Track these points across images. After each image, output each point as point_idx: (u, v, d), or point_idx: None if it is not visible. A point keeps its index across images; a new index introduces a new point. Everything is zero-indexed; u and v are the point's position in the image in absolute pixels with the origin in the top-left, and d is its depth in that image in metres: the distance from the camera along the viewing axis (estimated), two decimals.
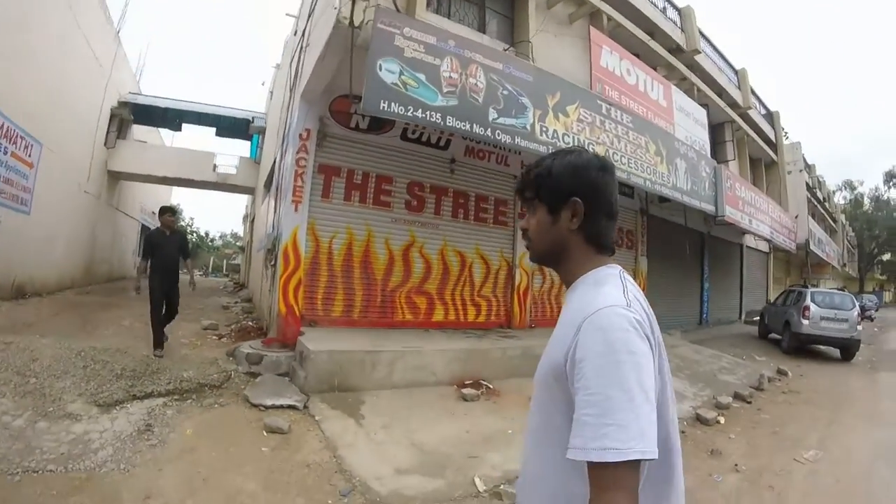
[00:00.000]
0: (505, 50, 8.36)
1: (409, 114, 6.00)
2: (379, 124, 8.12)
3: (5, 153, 10.21)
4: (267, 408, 5.22)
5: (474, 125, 6.53)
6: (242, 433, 4.62)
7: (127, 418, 4.64)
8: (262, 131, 17.93)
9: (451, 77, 6.43)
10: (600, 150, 8.17)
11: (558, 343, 1.10)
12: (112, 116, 17.24)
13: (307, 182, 7.69)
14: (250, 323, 10.00)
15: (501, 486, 4.05)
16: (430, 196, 8.91)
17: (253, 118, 18.73)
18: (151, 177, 19.32)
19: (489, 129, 6.67)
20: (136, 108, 18.19)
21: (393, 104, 5.88)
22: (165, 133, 23.49)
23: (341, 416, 5.20)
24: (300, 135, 7.73)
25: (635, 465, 0.91)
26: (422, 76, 6.18)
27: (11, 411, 4.39)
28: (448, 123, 6.30)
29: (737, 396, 7.45)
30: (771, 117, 20.91)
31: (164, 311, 7.15)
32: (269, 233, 9.89)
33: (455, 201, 9.21)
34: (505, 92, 6.95)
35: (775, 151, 20.63)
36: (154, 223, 29.15)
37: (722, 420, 6.38)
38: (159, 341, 6.93)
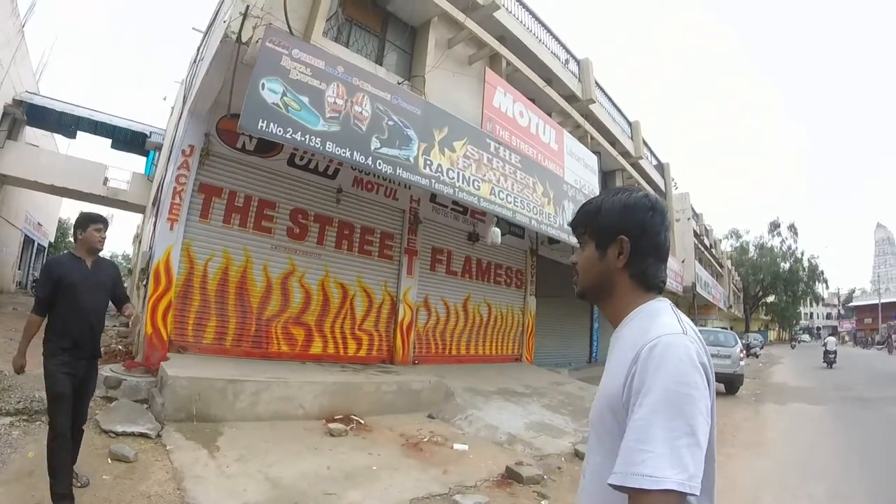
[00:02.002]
0: (399, 83, 8.47)
1: (288, 136, 5.89)
2: (266, 147, 7.94)
3: None
4: (117, 434, 4.90)
5: (355, 153, 6.49)
6: (86, 459, 4.29)
7: None
8: (158, 148, 17.18)
9: (335, 103, 6.41)
10: (486, 188, 8.40)
11: (614, 375, 1.08)
12: (5, 114, 16.16)
13: (185, 200, 7.34)
14: (120, 347, 9.39)
15: None
16: (313, 224, 8.74)
17: (151, 133, 17.95)
18: (38, 184, 18.02)
19: (370, 158, 6.65)
20: (31, 108, 17.05)
21: (272, 124, 5.76)
22: (62, 140, 22.15)
23: (195, 446, 4.93)
24: (183, 150, 7.41)
25: (676, 496, 0.89)
26: (305, 99, 6.11)
27: None
28: (328, 149, 6.23)
29: None
30: (662, 168, 22.34)
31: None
32: (143, 251, 9.41)
33: (340, 232, 9.08)
34: (390, 122, 7.00)
35: (665, 199, 21.92)
36: (39, 236, 27.24)
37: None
38: (67, 487, 3.49)
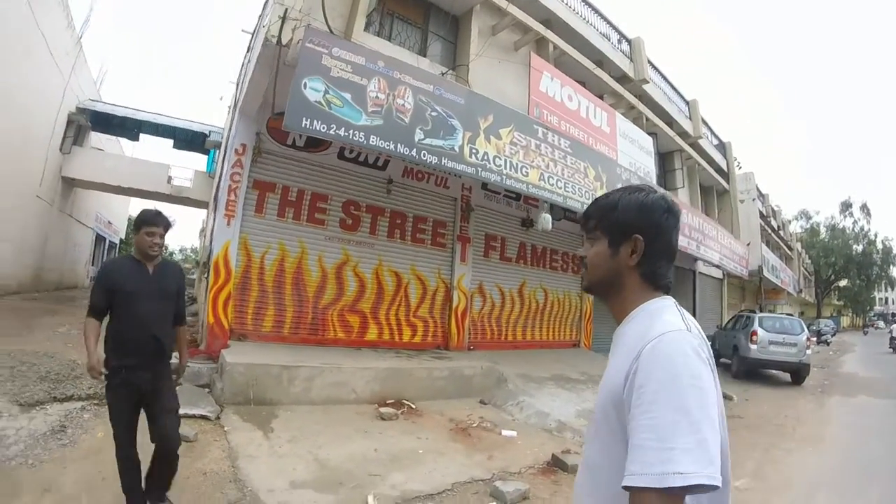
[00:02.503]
0: (443, 74, 8.50)
1: (332, 132, 6.03)
2: (316, 143, 8.14)
3: None
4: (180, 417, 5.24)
5: (399, 145, 6.58)
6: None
7: (44, 418, 4.77)
8: (218, 145, 17.84)
9: (377, 97, 6.50)
10: (534, 174, 8.33)
11: (616, 371, 1.09)
12: (69, 122, 17.23)
13: (241, 197, 7.67)
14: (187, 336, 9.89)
15: None
16: (365, 215, 8.93)
17: (210, 132, 18.70)
18: (106, 185, 19.28)
19: (414, 150, 6.73)
20: (94, 114, 18.14)
21: (315, 122, 5.92)
22: (126, 142, 23.29)
23: (251, 428, 5.22)
24: (236, 149, 7.73)
25: (678, 494, 0.89)
26: (347, 95, 6.23)
27: None
28: (371, 143, 6.34)
29: None
30: (723, 147, 21.49)
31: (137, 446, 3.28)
32: (205, 245, 9.84)
33: (392, 221, 9.24)
34: (433, 113, 7.03)
35: (727, 180, 21.17)
36: (110, 233, 28.73)
37: None
38: None
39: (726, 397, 9.63)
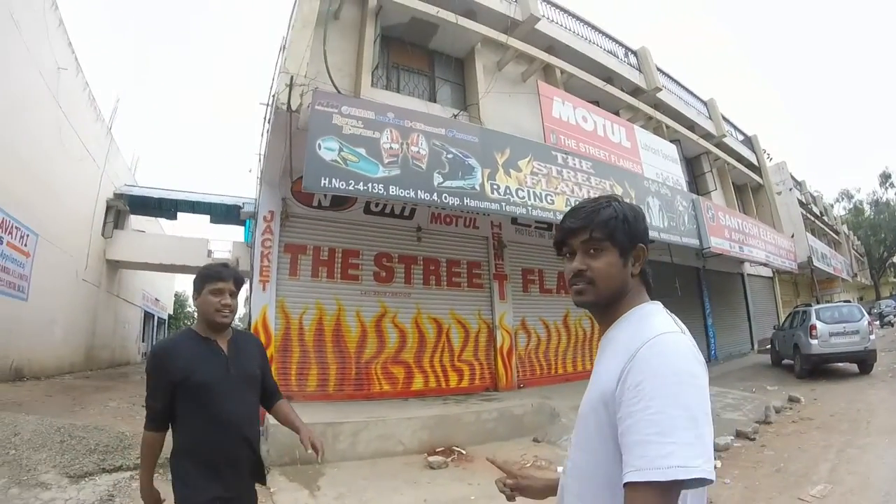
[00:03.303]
0: (455, 116, 8.59)
1: (351, 187, 6.17)
2: (341, 201, 8.31)
3: (1, 243, 10.71)
4: None
5: (419, 191, 6.66)
6: None
7: (93, 489, 4.87)
8: (252, 216, 18.30)
9: (391, 148, 6.62)
10: (560, 200, 8.24)
11: (607, 372, 1.09)
12: (108, 208, 18.13)
13: (273, 261, 7.85)
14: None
15: None
16: (398, 266, 8.99)
17: (244, 204, 19.13)
18: (148, 264, 20.03)
19: (435, 194, 6.79)
20: (131, 199, 18.98)
21: (334, 180, 6.07)
22: (166, 222, 24.20)
23: (297, 487, 5.17)
24: (264, 217, 7.98)
25: (678, 488, 0.92)
26: (362, 150, 6.38)
27: None
28: (391, 193, 6.44)
29: (739, 435, 6.93)
30: (750, 141, 20.99)
31: None
32: (246, 312, 10.01)
33: (426, 268, 9.27)
34: (449, 155, 7.10)
35: (760, 174, 20.63)
36: (158, 310, 29.58)
37: (719, 464, 5.84)
38: None
39: (792, 400, 9.24)
